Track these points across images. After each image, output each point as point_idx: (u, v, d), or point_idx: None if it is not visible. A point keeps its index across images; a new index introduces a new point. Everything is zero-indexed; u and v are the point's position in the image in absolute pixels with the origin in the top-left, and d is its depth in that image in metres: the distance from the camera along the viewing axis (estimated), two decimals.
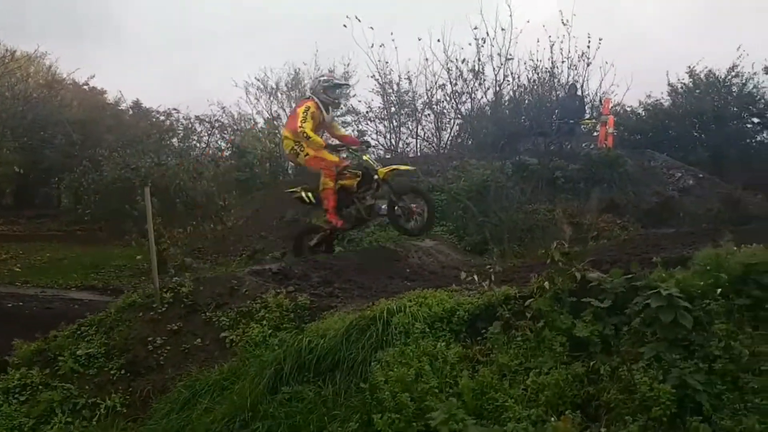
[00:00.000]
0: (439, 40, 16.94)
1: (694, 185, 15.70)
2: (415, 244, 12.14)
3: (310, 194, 10.68)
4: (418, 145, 22.06)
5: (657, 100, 21.44)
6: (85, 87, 25.51)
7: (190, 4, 49.85)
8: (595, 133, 18.61)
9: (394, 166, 10.68)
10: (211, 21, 46.32)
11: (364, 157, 10.39)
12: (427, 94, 19.68)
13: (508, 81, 17.59)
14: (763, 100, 19.74)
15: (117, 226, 16.28)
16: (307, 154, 10.26)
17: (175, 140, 23.09)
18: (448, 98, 18.80)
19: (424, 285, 7.06)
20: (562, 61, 17.24)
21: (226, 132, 26.27)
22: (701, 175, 16.04)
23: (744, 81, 20.04)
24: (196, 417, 5.64)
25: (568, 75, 17.73)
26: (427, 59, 18.96)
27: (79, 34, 40.62)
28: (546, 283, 5.31)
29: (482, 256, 12.39)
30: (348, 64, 26.05)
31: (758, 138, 20.19)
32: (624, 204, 14.86)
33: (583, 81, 17.81)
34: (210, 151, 23.20)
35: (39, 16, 40.39)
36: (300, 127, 10.06)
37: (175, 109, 24.62)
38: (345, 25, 15.95)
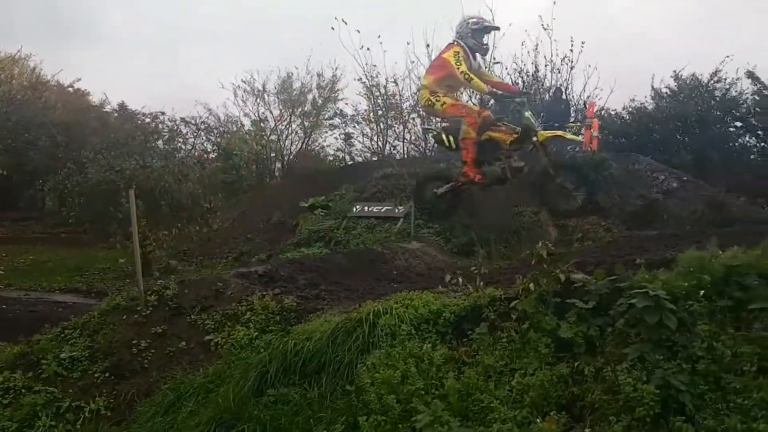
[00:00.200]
0: (428, 46, 17.00)
1: (677, 188, 15.81)
2: (402, 246, 12.16)
3: (451, 138, 9.75)
4: (405, 148, 22.13)
5: (641, 104, 21.68)
6: (70, 89, 25.40)
7: (177, 7, 49.67)
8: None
9: (560, 132, 9.89)
10: (197, 23, 46.20)
11: (526, 114, 9.37)
12: (413, 97, 19.73)
13: None
14: (745, 105, 19.99)
15: (101, 229, 16.14)
16: (444, 103, 9.49)
17: (160, 142, 22.98)
18: None
19: (411, 287, 7.08)
20: (545, 65, 17.37)
21: (212, 134, 26.20)
22: (685, 178, 16.17)
23: (727, 86, 20.31)
24: (181, 420, 5.61)
25: (552, 79, 17.87)
26: (413, 62, 19.02)
27: (64, 35, 40.44)
28: (531, 285, 5.34)
29: (469, 258, 12.41)
30: (336, 69, 26.17)
31: (740, 141, 20.43)
32: (609, 206, 14.95)
33: (567, 84, 17.96)
34: (196, 153, 23.08)
35: (23, 18, 40.08)
36: (459, 70, 9.13)
37: (160, 112, 24.54)
38: (333, 28, 15.95)
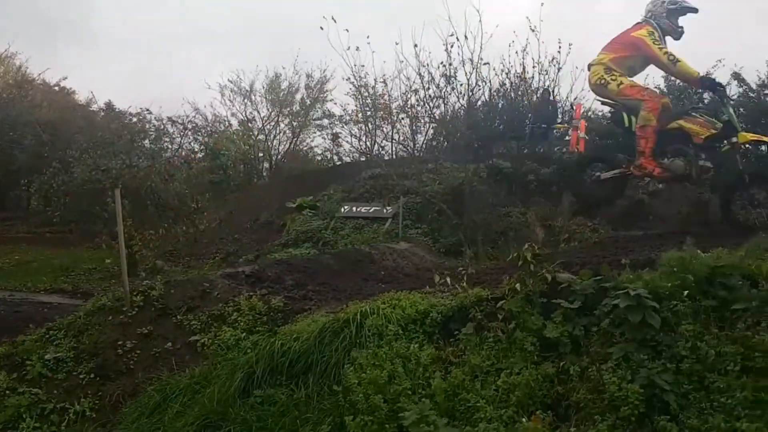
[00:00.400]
0: (416, 46, 17.03)
1: (663, 189, 15.89)
2: (390, 247, 12.17)
3: (632, 119, 8.90)
4: (394, 149, 22.17)
5: None
6: (56, 88, 25.17)
7: (165, 6, 49.40)
8: (567, 138, 18.82)
9: (764, 137, 8.82)
10: (184, 23, 45.96)
11: (730, 110, 8.53)
12: (402, 98, 19.77)
13: (479, 86, 17.75)
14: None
15: (87, 229, 16.03)
16: (621, 83, 8.71)
17: (146, 142, 22.81)
18: (421, 102, 18.90)
19: (399, 287, 7.10)
20: (533, 66, 17.46)
21: (199, 134, 26.10)
22: None
23: None
24: (167, 421, 5.58)
25: (539, 80, 17.97)
26: (402, 61, 19.02)
27: (51, 34, 40.07)
28: (518, 285, 5.38)
29: (457, 259, 12.45)
30: (324, 70, 26.16)
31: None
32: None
33: (555, 86, 18.06)
34: (183, 153, 22.97)
35: (9, 16, 39.68)
36: (662, 51, 8.33)
37: (147, 110, 24.40)
38: (321, 27, 15.89)
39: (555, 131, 19.04)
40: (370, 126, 22.10)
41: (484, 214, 14.00)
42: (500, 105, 19.91)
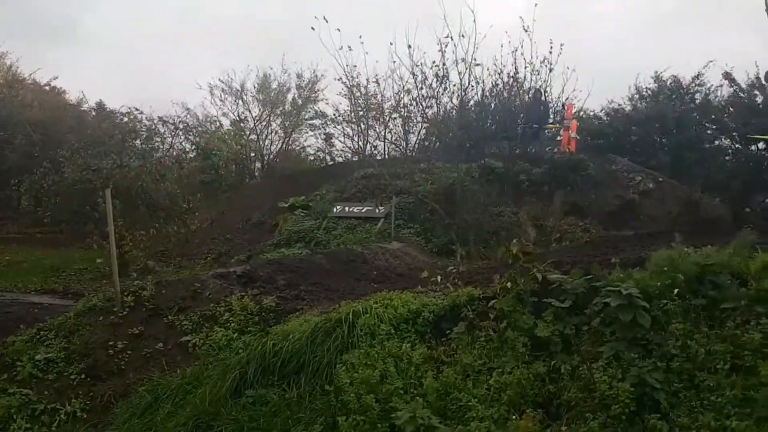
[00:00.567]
0: (410, 46, 17.02)
1: (654, 189, 16.05)
2: (383, 247, 12.19)
3: None
4: (386, 148, 22.17)
5: (619, 106, 21.93)
6: (47, 87, 24.98)
7: (156, 7, 49.23)
8: (558, 138, 18.89)
9: None
10: (176, 23, 45.78)
11: None
12: (394, 97, 19.77)
13: (472, 86, 17.77)
14: (720, 106, 20.29)
15: (78, 229, 15.94)
16: None
17: (138, 141, 22.69)
18: (414, 102, 18.91)
19: (391, 287, 7.10)
20: (525, 67, 17.50)
21: (190, 134, 26.00)
22: (661, 179, 16.41)
23: (708, 91, 20.65)
24: (159, 422, 5.56)
25: (531, 80, 18.01)
26: (395, 62, 19.03)
27: (41, 34, 39.81)
28: (509, 284, 5.40)
29: (449, 258, 12.48)
30: (315, 69, 26.12)
31: (716, 143, 20.74)
32: (586, 207, 15.13)
33: (546, 86, 18.11)
34: (174, 153, 22.88)
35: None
36: None
37: (137, 110, 24.29)
38: (313, 28, 15.87)
39: (546, 131, 19.11)
40: (362, 126, 22.10)
41: (476, 213, 14.04)
42: (492, 105, 19.95)
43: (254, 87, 26.82)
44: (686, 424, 4.03)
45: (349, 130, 24.27)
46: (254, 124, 27.10)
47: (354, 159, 22.71)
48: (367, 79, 19.54)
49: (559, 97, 18.91)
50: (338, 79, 19.47)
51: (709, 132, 20.66)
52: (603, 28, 37.43)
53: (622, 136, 20.78)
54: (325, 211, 16.06)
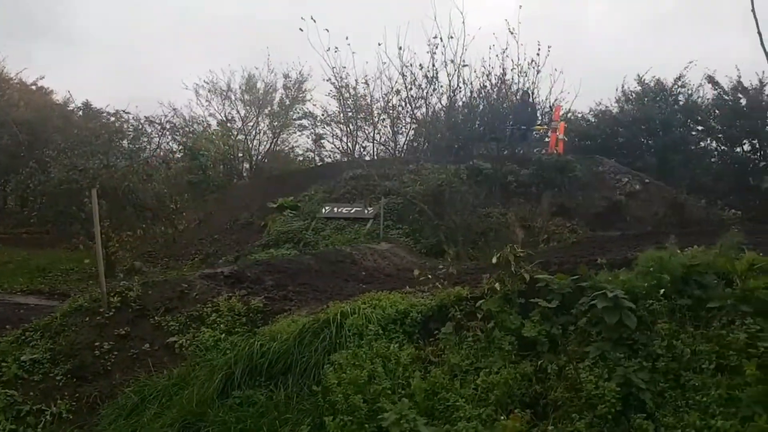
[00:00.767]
0: (400, 48, 17.02)
1: (640, 190, 16.17)
2: (371, 247, 12.19)
3: None
4: (375, 149, 22.17)
5: (606, 107, 22.09)
6: (33, 87, 24.77)
7: (143, 7, 48.90)
8: (546, 139, 18.99)
9: None
10: (163, 23, 45.53)
11: None
12: (383, 98, 19.77)
13: (461, 87, 17.81)
14: (705, 108, 20.49)
15: (64, 229, 15.80)
16: None
17: (125, 142, 22.53)
18: (403, 103, 18.93)
19: (379, 287, 7.10)
20: (512, 69, 17.58)
21: (177, 134, 25.88)
22: (647, 180, 16.54)
23: (690, 92, 20.86)
24: (145, 423, 5.52)
25: (519, 82, 18.09)
26: (385, 63, 19.02)
27: (28, 34, 39.45)
28: (497, 285, 5.41)
29: (438, 259, 12.49)
30: (301, 69, 26.08)
31: (701, 145, 20.95)
32: (573, 208, 15.22)
33: (534, 88, 18.19)
34: (161, 153, 22.74)
35: None
36: None
37: (125, 111, 24.14)
38: (301, 29, 15.82)
39: (534, 133, 19.19)
40: (351, 127, 22.06)
41: (465, 214, 14.08)
42: (481, 107, 20.02)
43: (240, 88, 26.75)
44: (672, 424, 4.06)
45: (338, 130, 24.25)
46: (242, 124, 27.04)
47: (343, 160, 22.67)
48: (356, 80, 19.56)
49: (546, 99, 19.03)
50: (327, 80, 19.45)
51: (693, 134, 20.87)
52: (602, 28, 37.63)
53: (610, 137, 20.95)
54: (314, 211, 16.04)
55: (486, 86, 19.11)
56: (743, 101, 19.23)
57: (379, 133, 21.63)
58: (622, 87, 22.07)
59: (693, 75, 20.90)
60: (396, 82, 18.24)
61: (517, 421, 4.25)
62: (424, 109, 18.77)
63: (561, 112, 18.86)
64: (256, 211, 17.69)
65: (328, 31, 15.84)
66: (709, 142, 20.98)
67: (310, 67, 25.23)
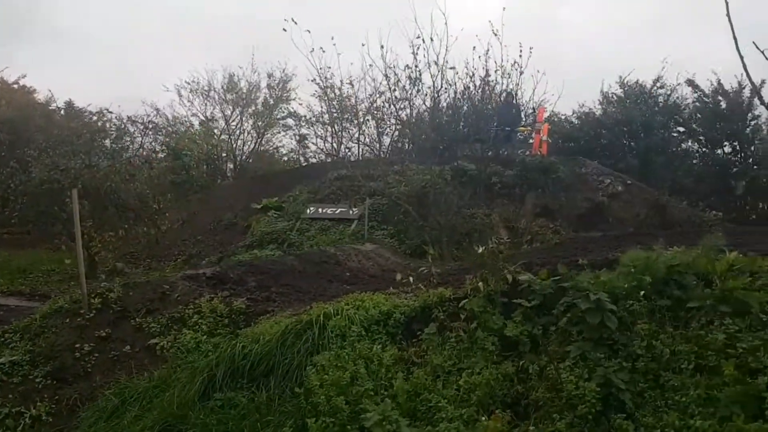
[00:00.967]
0: (382, 47, 17.04)
1: (622, 191, 16.28)
2: (356, 248, 12.16)
3: None
4: (360, 150, 22.16)
5: (589, 109, 22.25)
6: (15, 86, 24.46)
7: (126, 6, 48.43)
8: (530, 141, 19.09)
9: None
10: (146, 22, 45.12)
11: None
12: (368, 99, 19.78)
13: (444, 89, 17.88)
14: (687, 111, 20.73)
15: (46, 230, 15.60)
16: None
17: (107, 141, 22.33)
18: (387, 104, 18.95)
19: (363, 288, 7.10)
20: (495, 70, 17.67)
21: (160, 134, 25.66)
22: (629, 182, 16.67)
23: (669, 92, 21.05)
24: (125, 425, 5.49)
25: (503, 84, 18.19)
26: (370, 65, 19.02)
27: (9, 32, 38.91)
28: (480, 285, 5.44)
29: (422, 260, 12.46)
30: (284, 70, 25.99)
31: (683, 147, 21.18)
32: (557, 209, 15.29)
33: (517, 89, 18.30)
34: (144, 153, 22.56)
35: None
36: None
37: (107, 110, 23.90)
38: (285, 29, 15.79)
39: (518, 134, 19.29)
40: (336, 127, 22.04)
41: (449, 215, 14.09)
42: (465, 108, 20.09)
43: (222, 87, 26.57)
44: (651, 424, 4.09)
45: (322, 131, 24.20)
46: (226, 124, 26.88)
47: (328, 160, 22.64)
48: (341, 81, 19.55)
49: (530, 100, 19.16)
50: (312, 80, 19.42)
51: (675, 135, 21.09)
52: (585, 31, 37.89)
53: (593, 139, 21.08)
54: (299, 212, 15.96)
55: (470, 87, 19.21)
56: (723, 104, 19.45)
57: (363, 134, 21.63)
58: (602, 89, 22.27)
59: (670, 75, 21.07)
60: (380, 83, 18.29)
61: (498, 422, 4.26)
62: (408, 110, 18.84)
63: (545, 114, 18.98)
64: (240, 212, 17.57)
65: (309, 32, 15.86)
66: (690, 144, 21.22)
67: (294, 66, 25.13)
